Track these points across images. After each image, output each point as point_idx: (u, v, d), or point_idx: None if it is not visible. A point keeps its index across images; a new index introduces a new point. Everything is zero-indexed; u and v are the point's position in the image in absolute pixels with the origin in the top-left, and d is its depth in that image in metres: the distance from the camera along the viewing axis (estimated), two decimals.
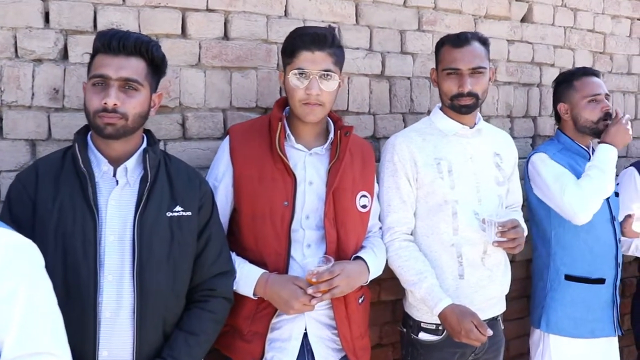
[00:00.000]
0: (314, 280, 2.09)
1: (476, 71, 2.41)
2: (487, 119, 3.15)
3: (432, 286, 2.35)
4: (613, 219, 2.90)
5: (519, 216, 2.66)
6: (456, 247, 2.44)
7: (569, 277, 2.84)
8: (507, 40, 3.21)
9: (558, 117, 3.03)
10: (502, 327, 2.64)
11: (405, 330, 2.57)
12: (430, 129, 2.52)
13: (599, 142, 2.81)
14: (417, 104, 2.93)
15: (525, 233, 2.54)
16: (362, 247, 2.37)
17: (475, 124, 2.55)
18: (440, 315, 2.32)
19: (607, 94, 2.93)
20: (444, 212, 2.44)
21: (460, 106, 2.45)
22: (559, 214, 2.80)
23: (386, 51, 2.85)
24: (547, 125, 3.41)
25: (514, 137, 3.20)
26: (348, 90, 2.75)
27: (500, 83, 3.20)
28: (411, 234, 2.49)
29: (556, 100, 3.02)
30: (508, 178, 2.62)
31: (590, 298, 2.83)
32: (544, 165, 2.81)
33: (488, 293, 2.50)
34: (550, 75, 3.38)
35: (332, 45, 2.18)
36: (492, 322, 2.54)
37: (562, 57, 3.43)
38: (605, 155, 2.74)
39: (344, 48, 2.29)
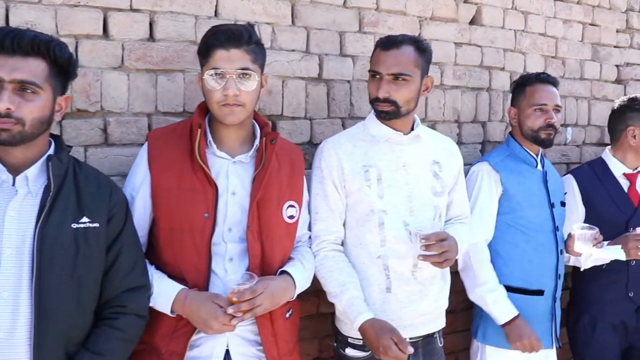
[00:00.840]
0: (235, 299, 1.99)
1: (398, 77, 2.31)
2: (433, 124, 3.07)
3: (353, 299, 2.26)
4: (556, 229, 2.83)
5: (464, 229, 2.55)
6: (383, 259, 2.35)
7: (506, 288, 2.77)
8: (455, 43, 3.14)
9: None
10: (441, 344, 2.54)
11: (335, 345, 2.48)
12: (363, 134, 2.43)
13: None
14: (357, 108, 2.84)
15: (463, 246, 2.44)
16: (290, 259, 2.28)
17: (412, 129, 2.45)
18: (360, 330, 2.23)
19: (557, 106, 2.86)
20: (371, 223, 2.35)
21: (379, 111, 2.36)
22: (497, 223, 2.78)
23: (324, 53, 2.76)
24: (497, 131, 3.35)
25: (461, 143, 3.15)
26: (283, 94, 2.66)
27: (447, 87, 3.12)
28: (341, 244, 2.40)
29: (511, 103, 2.95)
30: (452, 188, 2.52)
31: (528, 309, 2.76)
32: (479, 188, 2.77)
33: (420, 309, 2.40)
34: (501, 79, 3.33)
35: (249, 42, 2.07)
36: (428, 339, 2.45)
37: (513, 60, 3.37)
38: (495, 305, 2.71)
39: (265, 47, 2.20)
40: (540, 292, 2.79)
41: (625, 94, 3.97)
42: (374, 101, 2.36)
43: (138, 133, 2.40)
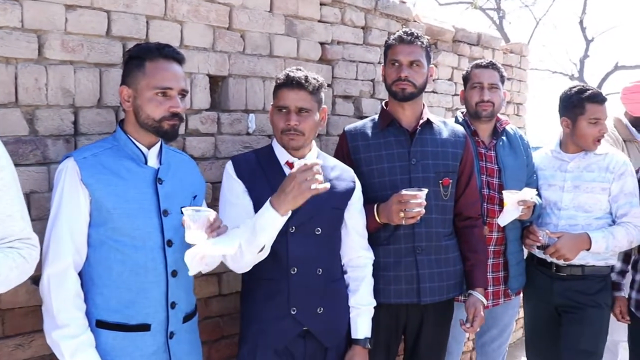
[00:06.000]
0: None
1: None
2: (33, 109, 2.46)
3: None
4: (167, 244, 2.33)
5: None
6: None
7: (102, 324, 2.26)
8: (66, 6, 2.54)
9: None
10: None
11: None
12: None
13: None
14: None
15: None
16: None
17: None
18: None
19: (183, 90, 2.37)
20: None
21: None
22: (89, 239, 2.27)
23: None
24: None
25: (81, 134, 2.59)
26: None
27: (52, 62, 2.51)
28: None
29: (123, 81, 2.39)
30: None
31: (130, 350, 2.29)
32: (61, 195, 2.25)
33: None
34: None
35: None
36: None
37: (163, 30, 2.84)
38: None
39: None
40: (145, 327, 2.31)
41: (333, 76, 3.61)
42: None
43: None
